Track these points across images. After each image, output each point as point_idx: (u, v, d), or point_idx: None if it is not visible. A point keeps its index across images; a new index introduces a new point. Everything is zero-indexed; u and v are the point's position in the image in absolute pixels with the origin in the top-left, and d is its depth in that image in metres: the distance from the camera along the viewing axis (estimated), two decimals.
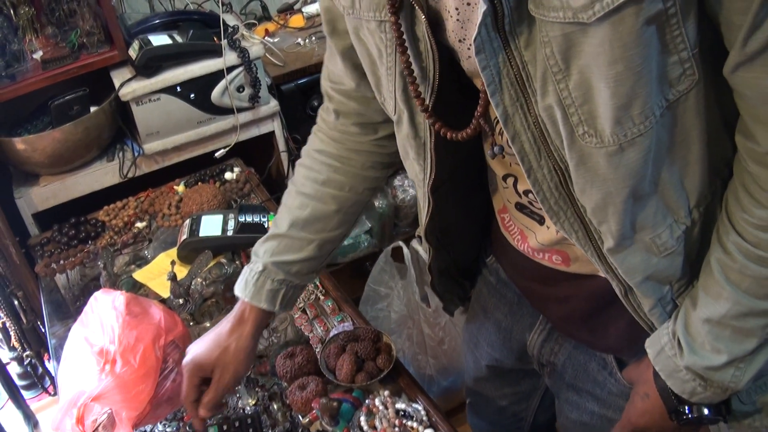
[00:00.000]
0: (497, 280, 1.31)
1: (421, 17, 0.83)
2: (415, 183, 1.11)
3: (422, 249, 1.27)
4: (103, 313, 1.28)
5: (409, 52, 0.88)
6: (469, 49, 0.80)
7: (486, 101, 0.85)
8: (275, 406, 1.40)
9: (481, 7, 0.73)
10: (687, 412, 0.97)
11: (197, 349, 1.24)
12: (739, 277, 0.86)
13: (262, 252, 1.25)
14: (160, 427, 1.41)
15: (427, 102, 0.91)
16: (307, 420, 1.33)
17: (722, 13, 0.73)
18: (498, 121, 0.88)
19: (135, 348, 1.23)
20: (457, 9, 0.81)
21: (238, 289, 1.25)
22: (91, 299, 1.34)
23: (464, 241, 1.27)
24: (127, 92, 2.06)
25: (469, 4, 0.79)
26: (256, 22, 2.63)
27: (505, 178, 1.03)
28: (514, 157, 0.88)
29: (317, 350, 1.48)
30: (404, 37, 0.87)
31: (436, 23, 0.86)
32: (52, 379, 2.34)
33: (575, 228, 0.91)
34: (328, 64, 1.16)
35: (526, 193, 1.01)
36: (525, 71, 0.78)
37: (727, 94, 0.80)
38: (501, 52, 0.77)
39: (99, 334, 1.26)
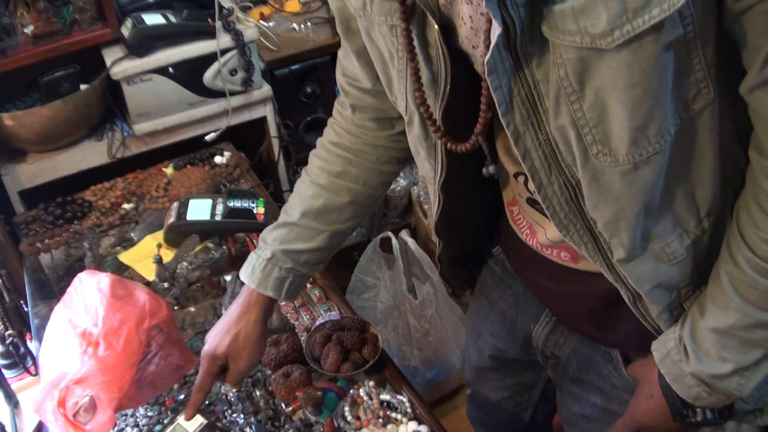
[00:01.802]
0: (503, 271, 1.31)
1: (433, 24, 0.82)
2: (426, 179, 1.11)
3: (432, 239, 1.27)
4: (87, 295, 1.27)
5: (419, 57, 0.87)
6: (482, 56, 0.79)
7: (486, 119, 0.85)
8: (258, 393, 1.39)
9: (495, 29, 0.72)
10: (691, 415, 0.99)
11: (211, 338, 1.26)
12: (748, 290, 0.86)
13: (270, 239, 1.25)
14: (141, 411, 1.40)
15: (437, 105, 0.90)
16: (291, 409, 1.33)
17: (742, 35, 0.73)
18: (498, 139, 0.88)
19: (118, 331, 1.22)
20: (471, 17, 0.80)
21: (244, 275, 1.25)
22: (75, 280, 1.32)
23: (473, 229, 1.27)
24: (118, 71, 2.04)
25: (482, 14, 0.78)
26: (251, 5, 2.61)
27: (516, 176, 1.02)
28: None
29: (302, 338, 1.47)
30: (414, 43, 0.86)
31: (449, 28, 0.84)
32: (34, 359, 2.32)
33: (585, 240, 0.91)
34: (343, 60, 1.15)
35: None
36: (536, 90, 0.78)
37: (742, 107, 0.80)
38: (512, 71, 0.77)
39: (82, 316, 1.24)
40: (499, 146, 1.00)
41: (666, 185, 0.83)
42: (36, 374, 2.31)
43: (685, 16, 0.69)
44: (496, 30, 0.72)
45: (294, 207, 1.25)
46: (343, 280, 2.45)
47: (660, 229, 0.87)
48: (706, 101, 0.77)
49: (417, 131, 0.99)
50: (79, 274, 1.33)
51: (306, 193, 1.24)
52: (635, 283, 0.92)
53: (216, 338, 1.24)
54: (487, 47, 0.75)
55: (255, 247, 1.72)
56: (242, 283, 1.59)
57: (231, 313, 1.26)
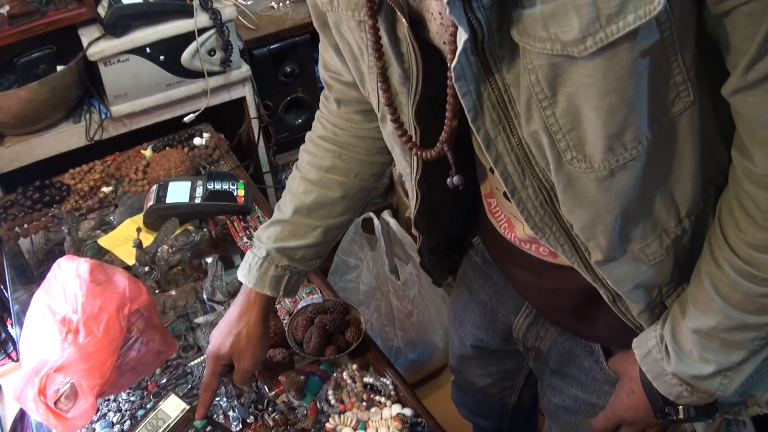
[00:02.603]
0: (483, 261, 1.30)
1: (402, 20, 0.79)
2: (402, 174, 1.09)
3: (413, 232, 1.25)
4: (67, 281, 1.25)
5: (388, 56, 0.84)
6: (452, 53, 0.77)
7: (451, 128, 0.82)
8: None
9: (461, 35, 0.69)
10: (673, 413, 0.98)
11: (214, 339, 1.25)
12: (730, 292, 0.84)
13: (265, 237, 1.23)
14: (124, 395, 1.39)
15: (410, 102, 0.87)
16: (274, 393, 1.32)
17: (725, 37, 0.70)
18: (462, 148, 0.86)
19: (99, 317, 1.21)
20: (440, 13, 0.78)
21: (241, 275, 1.24)
22: (55, 266, 1.31)
23: (453, 219, 1.26)
24: (95, 52, 2.02)
25: None
26: None
27: (492, 170, 1.00)
28: None
29: (284, 322, 1.47)
30: (382, 41, 0.83)
31: (419, 23, 0.81)
32: (15, 345, 2.31)
33: (561, 242, 0.89)
34: (324, 54, 1.12)
35: None
36: (507, 94, 0.75)
37: (725, 106, 0.77)
38: (482, 75, 0.74)
39: (62, 303, 1.23)
40: (475, 142, 0.98)
41: (645, 188, 0.81)
42: (17, 360, 2.30)
43: (663, 21, 0.66)
44: (462, 36, 0.69)
45: (286, 204, 1.23)
46: (325, 261, 2.43)
47: (639, 231, 0.86)
48: (686, 104, 0.75)
49: (390, 129, 0.96)
50: (59, 260, 1.32)
51: (297, 190, 1.22)
52: (614, 283, 0.91)
53: (218, 338, 1.23)
54: (454, 52, 0.72)
55: (236, 230, 1.73)
56: (224, 267, 1.59)
57: (231, 313, 1.24)
